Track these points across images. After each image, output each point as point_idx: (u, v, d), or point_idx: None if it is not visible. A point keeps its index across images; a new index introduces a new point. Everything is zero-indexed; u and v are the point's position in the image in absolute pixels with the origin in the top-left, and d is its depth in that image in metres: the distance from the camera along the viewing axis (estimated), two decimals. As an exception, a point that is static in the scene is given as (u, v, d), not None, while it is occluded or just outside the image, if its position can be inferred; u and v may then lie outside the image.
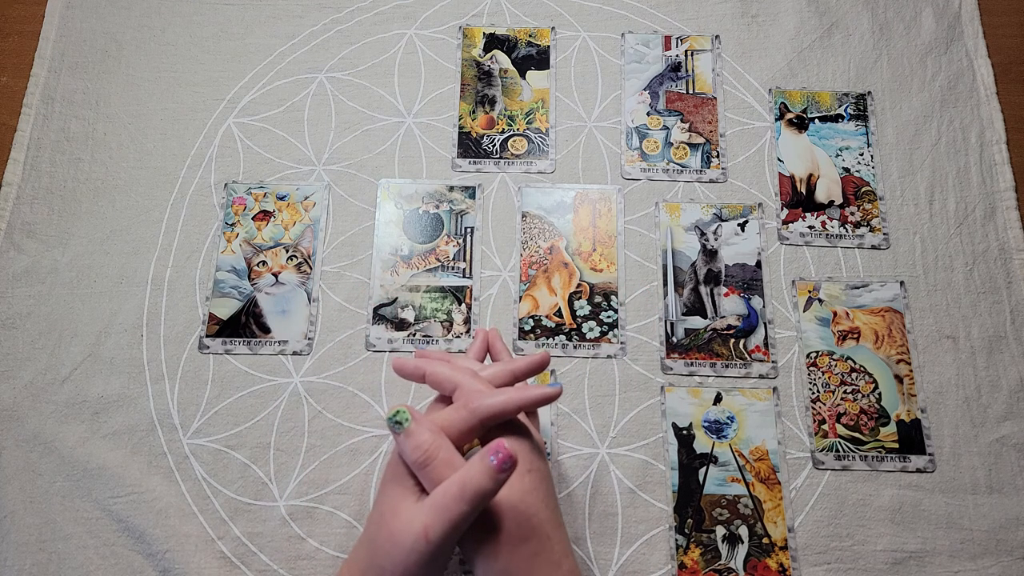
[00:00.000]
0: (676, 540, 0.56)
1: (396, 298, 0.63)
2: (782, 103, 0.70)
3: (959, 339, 0.62)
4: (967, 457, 0.59)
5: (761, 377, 0.61)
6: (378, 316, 0.63)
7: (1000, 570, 0.55)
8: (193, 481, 0.58)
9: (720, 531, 0.57)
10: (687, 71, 0.71)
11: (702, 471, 0.58)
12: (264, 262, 0.65)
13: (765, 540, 0.56)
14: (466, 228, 0.66)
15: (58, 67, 0.71)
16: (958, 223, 0.65)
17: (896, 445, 0.59)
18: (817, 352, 0.62)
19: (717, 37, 0.72)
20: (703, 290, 0.64)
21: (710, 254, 0.65)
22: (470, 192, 0.67)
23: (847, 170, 0.67)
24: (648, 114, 0.69)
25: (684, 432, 0.59)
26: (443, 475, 0.41)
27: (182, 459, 0.59)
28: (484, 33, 0.72)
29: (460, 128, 0.69)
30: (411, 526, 0.39)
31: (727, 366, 0.61)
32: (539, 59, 0.71)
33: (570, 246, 0.65)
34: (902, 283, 0.63)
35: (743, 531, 0.56)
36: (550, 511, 0.44)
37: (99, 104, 0.70)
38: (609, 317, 0.63)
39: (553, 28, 0.73)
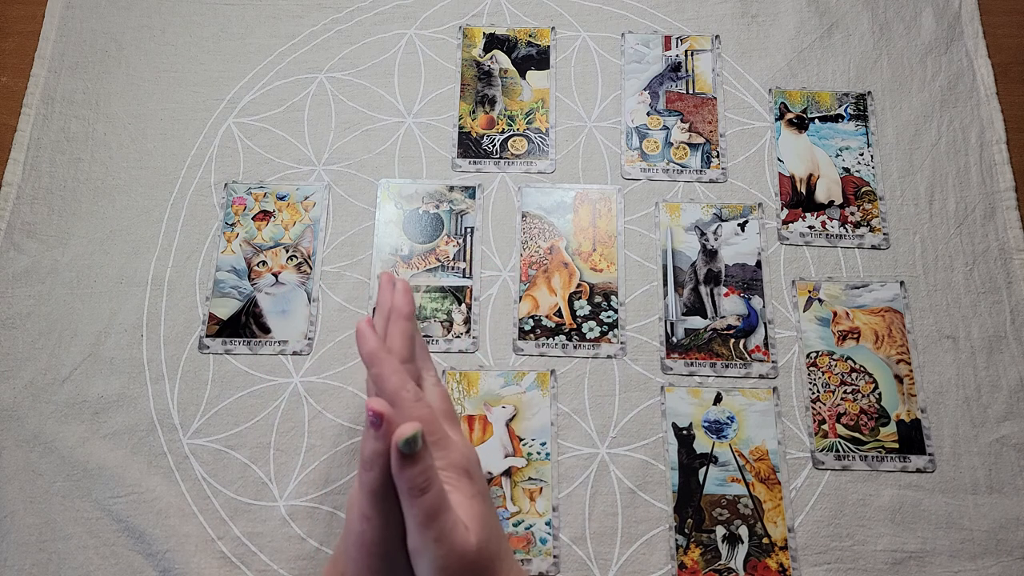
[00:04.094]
0: (676, 540, 0.56)
1: (396, 298, 0.63)
2: (782, 103, 0.70)
3: (959, 339, 0.62)
4: (967, 457, 0.59)
5: (761, 377, 0.61)
6: (378, 316, 0.63)
7: (1000, 570, 0.55)
8: (193, 481, 0.58)
9: (720, 531, 0.57)
10: (687, 71, 0.71)
11: (702, 471, 0.58)
12: (264, 262, 0.65)
13: (765, 540, 0.56)
14: (466, 228, 0.66)
15: (58, 67, 0.71)
16: (958, 223, 0.65)
17: (896, 445, 0.59)
18: (817, 352, 0.62)
19: (717, 37, 0.72)
20: (703, 290, 0.64)
21: (710, 254, 0.65)
22: (470, 192, 0.67)
23: (847, 170, 0.67)
24: (648, 114, 0.69)
25: (684, 432, 0.59)
26: (438, 501, 0.37)
27: (182, 459, 0.59)
28: (484, 33, 0.72)
29: (460, 128, 0.69)
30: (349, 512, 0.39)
31: (727, 366, 0.61)
32: (539, 59, 0.71)
33: (570, 246, 0.65)
34: (902, 283, 0.63)
35: (743, 531, 0.56)
36: (503, 543, 0.41)
37: (99, 104, 0.70)
38: (609, 317, 0.63)
39: (553, 28, 0.73)
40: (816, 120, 0.69)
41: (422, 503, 0.37)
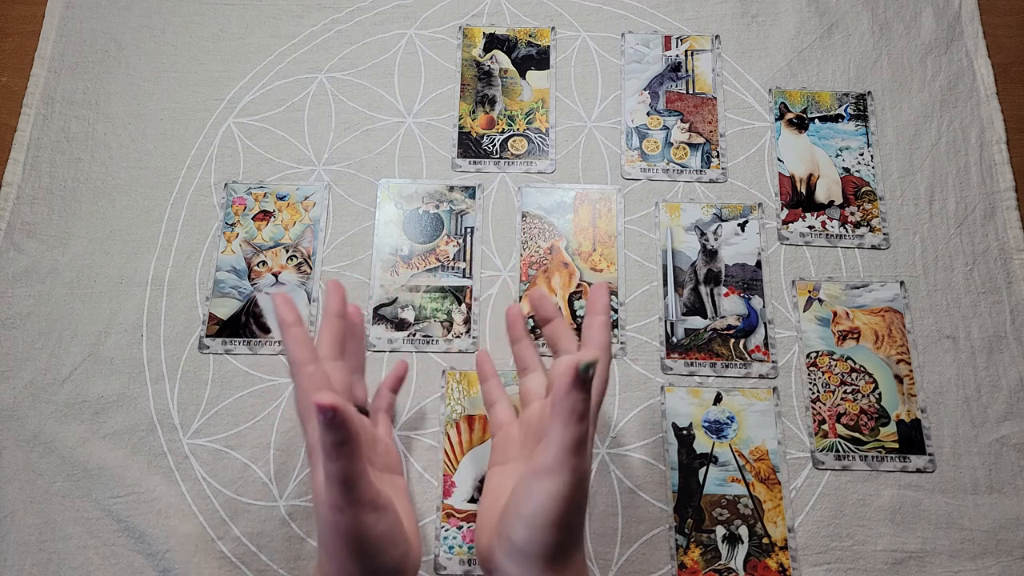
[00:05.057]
0: (676, 540, 0.56)
1: (396, 298, 0.63)
2: (782, 103, 0.70)
3: (959, 339, 0.62)
4: (967, 457, 0.59)
5: (761, 377, 0.61)
6: (378, 316, 0.63)
7: (1000, 570, 0.55)
8: (193, 481, 0.58)
9: (720, 531, 0.57)
10: (687, 71, 0.71)
11: (702, 471, 0.58)
12: (264, 262, 0.65)
13: (765, 540, 0.56)
14: (466, 228, 0.66)
15: (58, 67, 0.71)
16: (958, 223, 0.65)
17: (896, 445, 0.59)
18: (817, 352, 0.62)
19: (717, 37, 0.72)
20: (703, 290, 0.64)
21: (710, 254, 0.65)
22: (470, 192, 0.67)
23: (847, 170, 0.67)
24: (648, 114, 0.69)
25: (684, 432, 0.59)
26: (587, 428, 0.41)
27: (182, 459, 0.59)
28: (484, 33, 0.72)
29: (460, 128, 0.69)
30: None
31: (727, 366, 0.61)
32: (539, 59, 0.71)
33: (570, 246, 0.65)
34: (902, 283, 0.63)
35: (743, 531, 0.56)
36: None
37: (99, 104, 0.70)
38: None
39: (553, 28, 0.73)
40: (816, 120, 0.69)
41: (579, 427, 0.40)
